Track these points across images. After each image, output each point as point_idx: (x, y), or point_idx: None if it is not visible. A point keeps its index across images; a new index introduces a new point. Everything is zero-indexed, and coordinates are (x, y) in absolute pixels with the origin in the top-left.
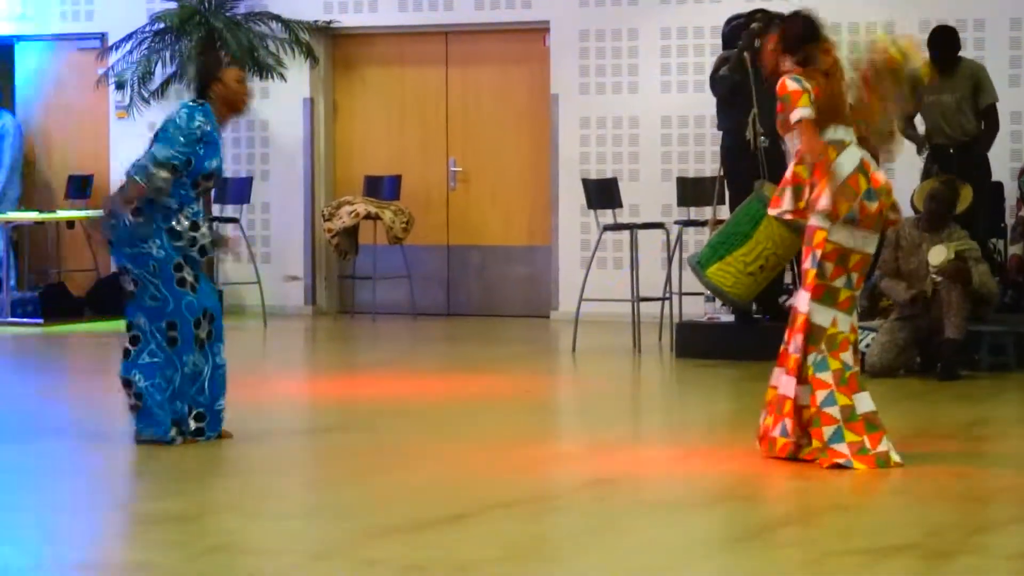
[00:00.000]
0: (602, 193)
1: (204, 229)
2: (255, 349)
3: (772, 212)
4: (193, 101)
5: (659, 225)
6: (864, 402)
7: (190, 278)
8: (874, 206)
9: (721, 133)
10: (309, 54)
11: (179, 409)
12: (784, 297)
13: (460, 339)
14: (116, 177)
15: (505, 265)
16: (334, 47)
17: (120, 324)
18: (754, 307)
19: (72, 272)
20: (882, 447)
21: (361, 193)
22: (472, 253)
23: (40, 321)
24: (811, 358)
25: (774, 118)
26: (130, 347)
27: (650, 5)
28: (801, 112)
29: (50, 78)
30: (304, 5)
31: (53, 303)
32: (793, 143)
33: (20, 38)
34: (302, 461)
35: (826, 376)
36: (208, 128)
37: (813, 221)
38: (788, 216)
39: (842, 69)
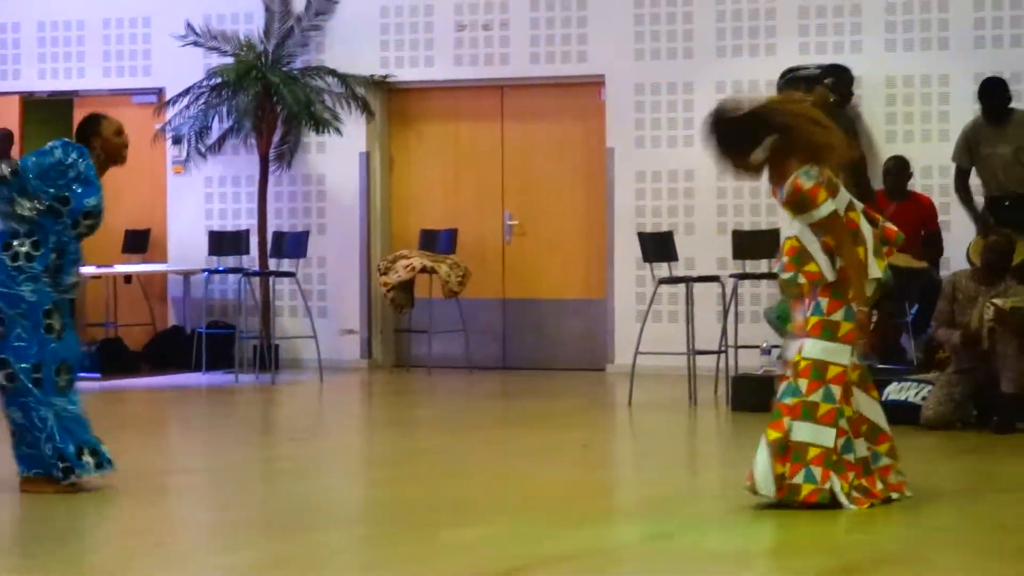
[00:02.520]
0: (658, 246)
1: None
2: (311, 403)
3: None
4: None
5: (715, 278)
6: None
7: (58, 325)
8: (884, 251)
9: None
10: (365, 108)
11: (60, 447)
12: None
13: (516, 393)
14: (173, 231)
15: (561, 318)
16: (390, 101)
17: (177, 379)
18: None
19: (129, 327)
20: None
21: (417, 247)
22: (528, 307)
23: (97, 376)
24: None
25: (843, 169)
26: (7, 384)
27: (705, 59)
28: (826, 209)
29: None
30: (360, 60)
31: (110, 358)
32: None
33: (78, 93)
34: (359, 515)
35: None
36: (83, 168)
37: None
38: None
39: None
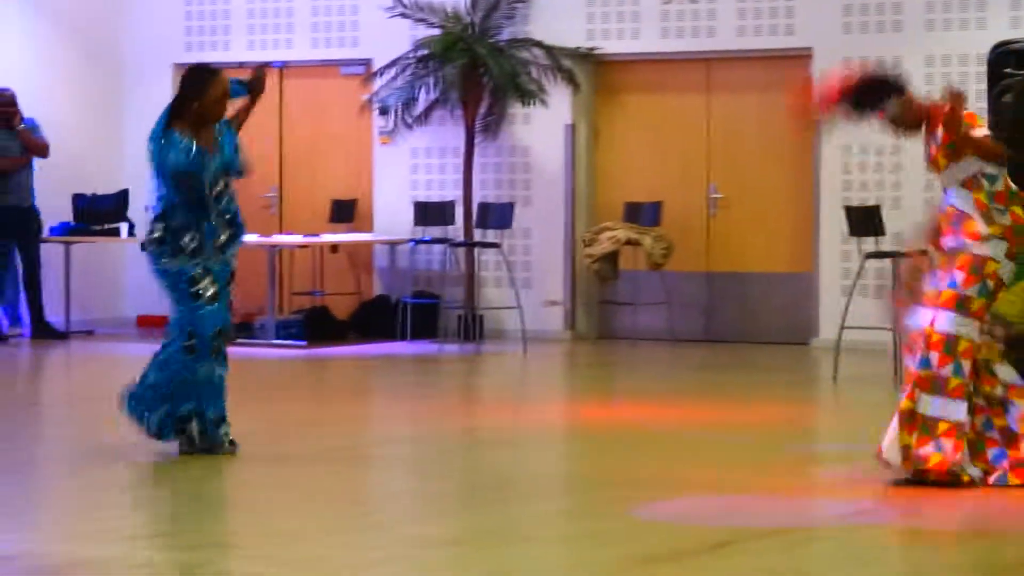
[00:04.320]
0: (864, 220)
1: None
2: (515, 373)
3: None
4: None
5: (922, 253)
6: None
7: (207, 292)
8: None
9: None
10: (571, 80)
11: (172, 410)
12: None
13: (719, 366)
14: (379, 202)
15: (765, 292)
16: (596, 73)
17: (383, 348)
18: None
19: (335, 295)
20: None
21: (621, 219)
22: (732, 280)
23: (304, 344)
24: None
25: None
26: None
27: (915, 32)
28: (982, 129)
29: (316, 103)
30: (566, 32)
31: (316, 326)
32: (955, 173)
33: (287, 63)
34: (561, 487)
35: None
36: (181, 159)
37: (985, 251)
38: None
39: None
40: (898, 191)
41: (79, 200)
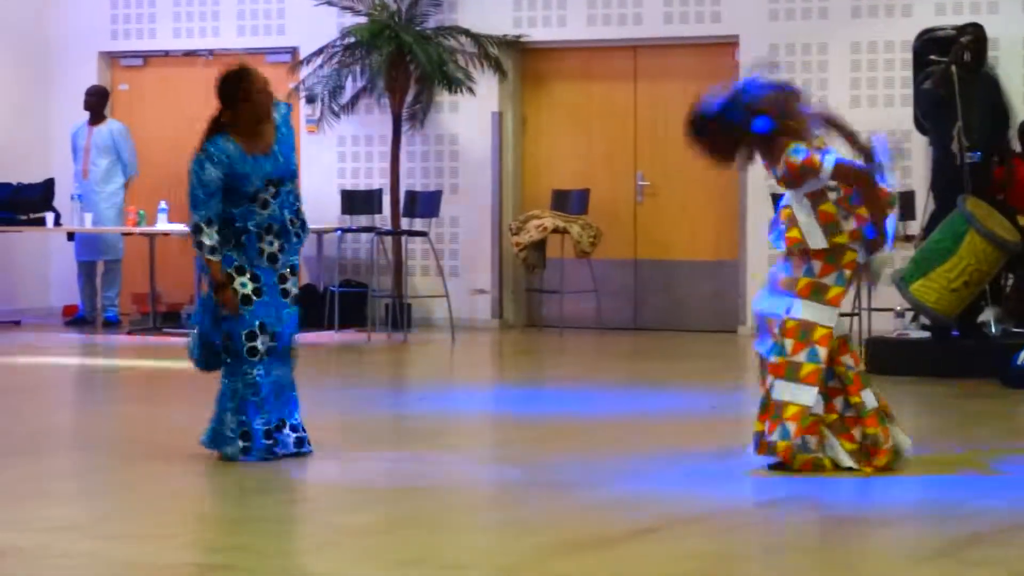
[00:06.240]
0: None
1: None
2: (443, 362)
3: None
4: (199, 151)
5: None
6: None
7: (244, 290)
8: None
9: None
10: (498, 68)
11: (245, 423)
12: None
13: (646, 354)
14: (306, 190)
15: (692, 280)
16: (523, 61)
17: (310, 337)
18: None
19: None
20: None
21: (549, 207)
22: (659, 267)
23: None
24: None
25: (980, 131)
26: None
27: (841, 19)
28: (829, 164)
29: None
30: (494, 20)
31: None
32: (805, 188)
33: (213, 51)
34: (486, 476)
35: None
36: (219, 172)
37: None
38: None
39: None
40: None
41: (4, 189)
